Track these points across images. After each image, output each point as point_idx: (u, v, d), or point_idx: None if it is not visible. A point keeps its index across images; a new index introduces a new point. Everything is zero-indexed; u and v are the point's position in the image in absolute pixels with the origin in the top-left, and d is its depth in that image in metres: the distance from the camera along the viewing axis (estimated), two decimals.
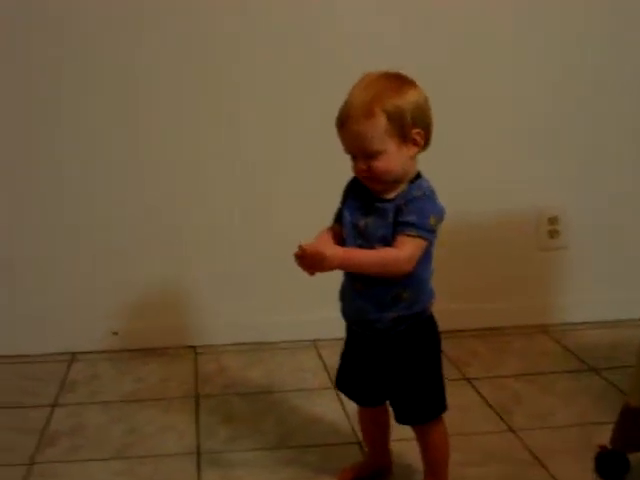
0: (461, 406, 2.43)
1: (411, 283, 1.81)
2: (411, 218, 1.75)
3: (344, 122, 1.76)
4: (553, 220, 3.05)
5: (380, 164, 1.75)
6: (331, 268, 1.75)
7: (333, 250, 1.76)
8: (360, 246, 1.81)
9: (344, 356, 2.01)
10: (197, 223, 2.93)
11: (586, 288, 3.08)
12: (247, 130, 2.89)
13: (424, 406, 1.89)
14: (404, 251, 1.75)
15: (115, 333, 2.95)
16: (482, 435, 2.30)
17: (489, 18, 2.92)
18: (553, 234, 3.07)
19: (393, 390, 1.91)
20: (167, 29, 2.81)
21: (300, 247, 1.72)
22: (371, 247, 1.79)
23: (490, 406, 2.47)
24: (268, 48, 2.85)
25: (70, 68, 2.81)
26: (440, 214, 1.80)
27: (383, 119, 1.73)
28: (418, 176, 1.83)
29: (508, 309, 3.05)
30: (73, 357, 2.89)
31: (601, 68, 3.00)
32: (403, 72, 1.82)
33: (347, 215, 1.85)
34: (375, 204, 1.80)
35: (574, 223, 3.05)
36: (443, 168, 2.72)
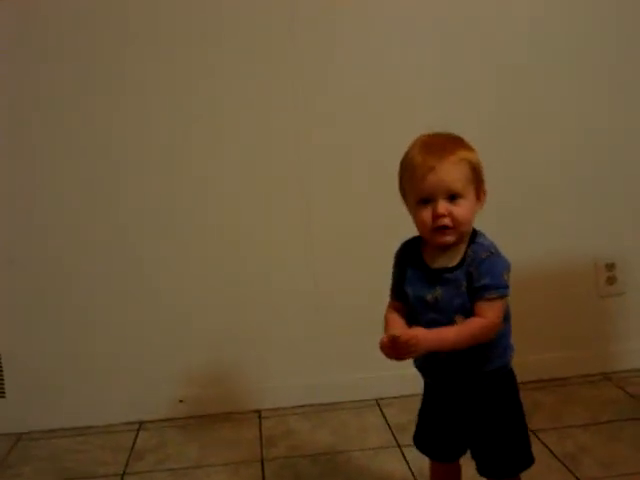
0: None
1: (494, 341, 1.79)
2: (485, 281, 1.73)
3: (434, 159, 1.74)
4: (610, 267, 3.04)
5: (461, 210, 1.74)
6: (419, 353, 1.73)
7: (423, 334, 1.71)
8: (434, 320, 1.76)
9: (423, 412, 1.98)
10: (262, 290, 2.97)
11: None
12: (317, 199, 2.95)
13: (512, 459, 1.87)
14: (489, 318, 1.73)
15: (181, 401, 2.98)
16: None
17: (548, 58, 2.97)
18: (611, 281, 3.05)
19: (479, 443, 1.88)
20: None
21: (393, 336, 1.68)
22: (449, 320, 1.75)
23: (556, 457, 2.45)
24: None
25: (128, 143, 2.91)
26: (509, 267, 1.77)
27: (468, 167, 1.76)
28: (475, 233, 1.82)
29: (570, 358, 3.03)
30: (141, 426, 2.93)
31: None
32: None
33: (410, 291, 1.83)
34: (442, 275, 1.77)
35: (629, 269, 3.04)
36: (498, 213, 2.77)
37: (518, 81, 2.95)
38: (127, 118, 2.89)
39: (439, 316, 1.77)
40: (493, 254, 1.77)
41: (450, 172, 1.74)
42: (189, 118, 2.90)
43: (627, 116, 3.01)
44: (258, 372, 3.01)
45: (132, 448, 2.77)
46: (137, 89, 2.88)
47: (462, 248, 1.78)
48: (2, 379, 2.96)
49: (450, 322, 1.76)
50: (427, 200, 1.76)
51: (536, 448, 2.44)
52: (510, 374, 1.88)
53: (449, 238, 1.76)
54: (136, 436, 2.86)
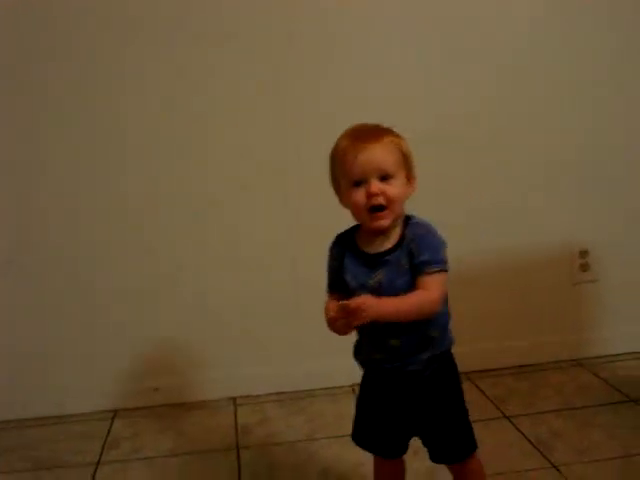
0: (501, 444, 2.43)
1: (437, 321, 1.80)
2: (426, 256, 1.74)
3: (364, 141, 1.77)
4: (584, 254, 3.06)
5: (393, 189, 1.75)
6: (370, 319, 1.69)
7: (371, 298, 1.70)
8: None
9: (363, 407, 1.96)
10: (237, 278, 2.97)
11: (619, 320, 3.07)
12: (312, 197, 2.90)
13: (463, 442, 1.88)
14: (433, 290, 1.73)
15: (156, 389, 2.98)
16: (524, 472, 2.29)
17: (529, 57, 2.99)
18: (585, 267, 3.07)
19: (429, 431, 1.87)
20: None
21: (342, 304, 1.68)
22: None
23: (531, 443, 2.46)
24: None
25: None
26: (445, 244, 1.78)
27: (397, 150, 1.78)
28: (407, 216, 1.82)
29: (543, 344, 3.05)
30: (115, 414, 2.92)
31: (631, 102, 3.04)
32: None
33: (350, 279, 1.82)
34: (382, 258, 1.78)
35: (603, 256, 3.06)
36: (475, 203, 2.77)
37: (518, 81, 2.97)
38: (127, 119, 2.88)
39: None
40: (430, 232, 1.79)
41: (380, 152, 1.76)
42: (189, 118, 2.88)
43: (611, 104, 3.03)
44: (233, 359, 3.00)
45: (107, 437, 2.76)
46: (137, 90, 2.87)
47: (397, 230, 1.80)
48: None
49: None
50: (359, 182, 1.77)
51: (510, 434, 2.52)
52: (452, 358, 1.88)
53: (384, 222, 1.77)
54: (111, 424, 2.85)
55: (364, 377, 1.94)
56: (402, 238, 1.78)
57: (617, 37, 2.99)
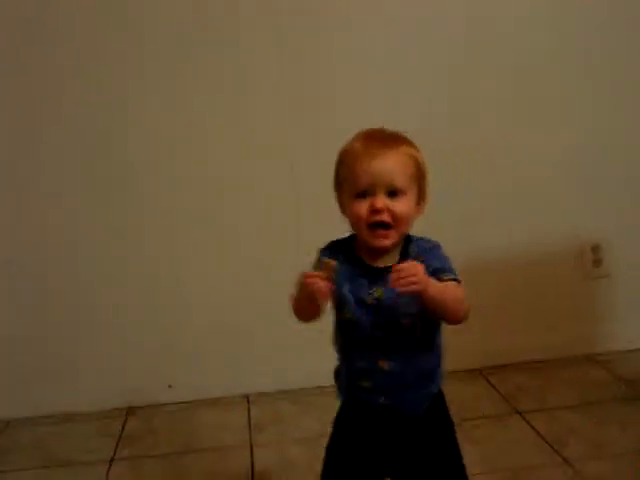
0: (514, 440, 2.43)
1: (438, 356, 1.66)
2: (437, 264, 1.57)
3: (377, 148, 1.58)
4: (596, 249, 3.05)
5: (401, 207, 1.57)
6: (420, 288, 1.48)
7: (420, 266, 1.50)
8: (378, 324, 1.59)
9: (336, 449, 1.73)
10: (249, 277, 2.97)
11: (633, 315, 3.06)
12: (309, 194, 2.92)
13: None
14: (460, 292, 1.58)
15: (170, 386, 2.99)
16: (537, 468, 2.29)
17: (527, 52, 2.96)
18: (598, 263, 3.06)
19: (422, 475, 1.68)
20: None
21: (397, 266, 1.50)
22: (397, 322, 1.59)
23: (543, 438, 2.45)
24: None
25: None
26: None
27: (413, 164, 1.61)
28: (409, 236, 1.65)
29: (556, 340, 3.03)
30: (129, 411, 2.93)
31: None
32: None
33: (346, 293, 1.62)
34: (385, 273, 1.55)
35: (615, 251, 3.05)
36: (487, 201, 2.75)
37: (519, 80, 2.97)
38: (127, 118, 2.89)
39: (381, 320, 1.60)
40: (436, 246, 1.63)
41: (394, 164, 1.58)
42: (189, 118, 2.89)
43: (612, 95, 3.02)
44: (246, 356, 3.00)
45: (121, 434, 2.77)
46: (137, 89, 2.88)
47: (397, 249, 1.63)
48: None
49: (398, 327, 1.60)
50: (364, 194, 1.59)
51: (523, 430, 2.51)
52: (443, 397, 1.71)
53: (387, 242, 1.59)
54: (125, 422, 2.86)
55: (341, 413, 1.75)
56: (407, 254, 1.61)
57: (617, 37, 2.98)
